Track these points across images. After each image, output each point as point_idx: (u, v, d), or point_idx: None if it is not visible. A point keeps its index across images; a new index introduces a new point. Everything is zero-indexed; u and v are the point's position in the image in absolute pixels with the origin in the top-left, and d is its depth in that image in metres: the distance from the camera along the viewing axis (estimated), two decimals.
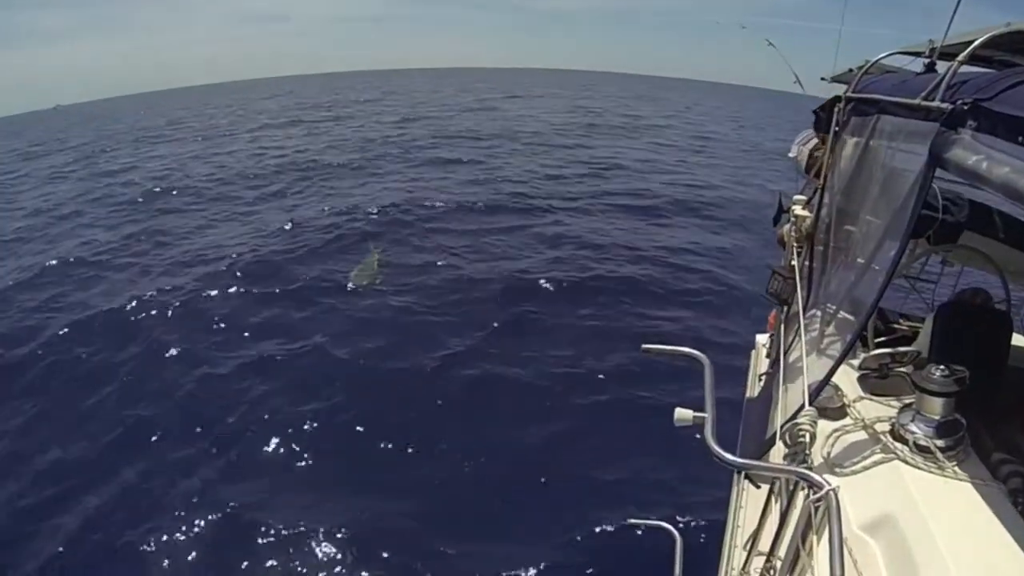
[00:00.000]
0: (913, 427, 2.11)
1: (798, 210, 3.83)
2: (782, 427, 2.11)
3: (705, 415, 2.19)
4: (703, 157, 26.09)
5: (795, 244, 3.72)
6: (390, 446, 6.68)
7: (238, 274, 11.81)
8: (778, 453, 2.30)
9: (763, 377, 3.95)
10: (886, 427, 2.26)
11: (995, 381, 2.49)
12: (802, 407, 2.15)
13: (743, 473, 2.91)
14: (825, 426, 2.39)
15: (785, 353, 3.29)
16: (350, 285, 10.97)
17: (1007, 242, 3.27)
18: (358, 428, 6.99)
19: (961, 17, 2.11)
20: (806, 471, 1.72)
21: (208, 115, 55.28)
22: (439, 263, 12.03)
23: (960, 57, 2.05)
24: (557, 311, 9.89)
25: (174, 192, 20.00)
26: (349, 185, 19.37)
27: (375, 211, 15.64)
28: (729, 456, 1.92)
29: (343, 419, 7.14)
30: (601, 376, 7.96)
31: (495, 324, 9.43)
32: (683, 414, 2.29)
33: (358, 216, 15.32)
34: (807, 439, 1.95)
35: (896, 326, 3.46)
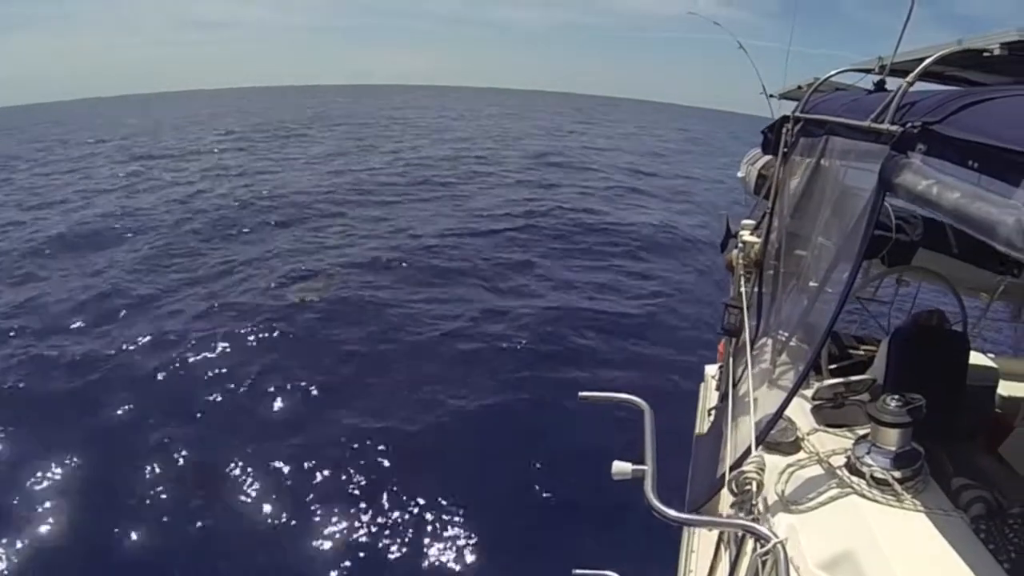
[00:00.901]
0: (869, 459, 2.13)
1: (746, 236, 3.92)
2: (728, 475, 2.11)
3: (645, 468, 2.18)
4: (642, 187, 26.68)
5: (743, 271, 3.80)
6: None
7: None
8: (729, 495, 2.30)
9: (712, 412, 3.98)
10: (842, 460, 2.28)
11: (953, 403, 2.56)
12: (749, 451, 2.14)
13: None
14: (779, 461, 2.39)
15: (735, 386, 3.33)
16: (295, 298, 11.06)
17: (961, 258, 3.41)
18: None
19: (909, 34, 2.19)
20: (752, 524, 1.72)
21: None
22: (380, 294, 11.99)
23: (910, 77, 2.11)
24: (494, 355, 9.84)
25: None
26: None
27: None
28: (672, 512, 1.92)
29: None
30: (542, 423, 7.90)
31: (439, 357, 9.48)
32: (621, 468, 2.27)
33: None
34: (754, 488, 1.96)
35: (852, 351, 3.54)
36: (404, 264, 13.74)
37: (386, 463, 7.09)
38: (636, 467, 2.22)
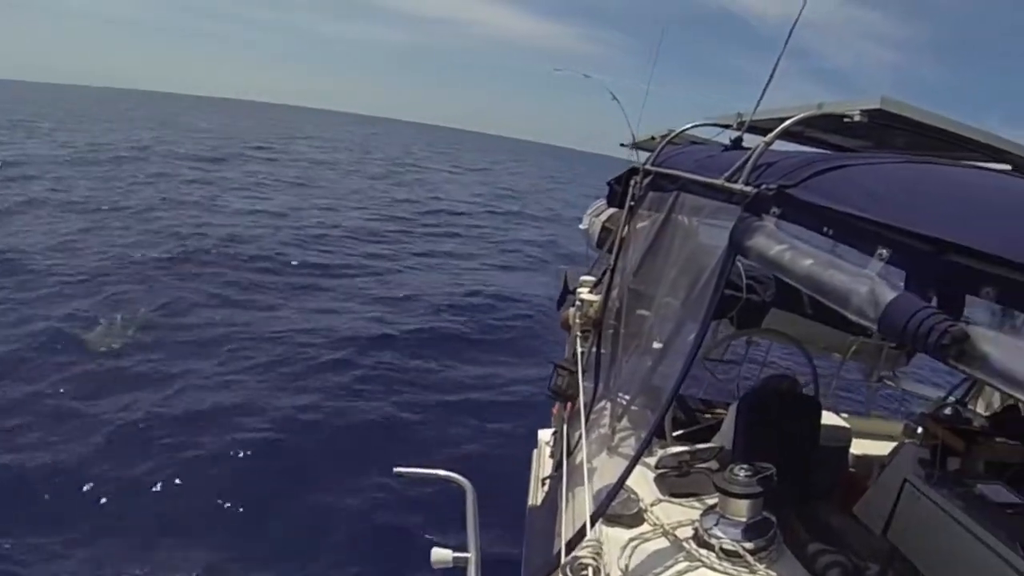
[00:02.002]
0: (718, 531, 2.19)
1: (585, 294, 3.99)
2: (564, 555, 2.10)
3: (468, 555, 2.11)
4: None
5: (580, 330, 3.85)
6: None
7: None
8: None
9: (547, 481, 3.96)
10: (689, 532, 2.32)
11: (806, 468, 2.70)
12: (583, 531, 2.13)
13: None
14: (620, 535, 2.40)
15: (570, 453, 3.32)
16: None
17: (814, 318, 3.66)
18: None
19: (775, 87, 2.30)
20: None
21: None
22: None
23: (768, 137, 2.23)
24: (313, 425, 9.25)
25: None
26: None
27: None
28: None
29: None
30: (347, 499, 7.39)
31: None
32: (442, 555, 2.20)
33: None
34: (590, 574, 1.96)
35: (699, 415, 3.66)
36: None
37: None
38: (458, 555, 2.14)
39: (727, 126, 2.84)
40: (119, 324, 11.11)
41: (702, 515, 2.32)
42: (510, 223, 29.45)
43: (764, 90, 2.31)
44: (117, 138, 43.64)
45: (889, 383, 4.66)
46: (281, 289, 14.30)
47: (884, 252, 1.46)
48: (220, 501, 6.94)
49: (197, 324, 11.50)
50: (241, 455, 7.83)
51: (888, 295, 1.36)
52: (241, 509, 6.92)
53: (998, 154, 2.52)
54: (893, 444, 3.53)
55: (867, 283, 1.43)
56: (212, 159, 37.64)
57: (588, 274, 4.26)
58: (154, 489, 6.97)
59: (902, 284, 1.38)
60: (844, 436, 3.31)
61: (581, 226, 4.34)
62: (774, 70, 2.22)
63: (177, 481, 7.16)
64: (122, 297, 12.48)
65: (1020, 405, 3.38)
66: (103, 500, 6.71)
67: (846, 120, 2.13)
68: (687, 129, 3.45)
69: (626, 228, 3.56)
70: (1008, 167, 2.55)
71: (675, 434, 3.40)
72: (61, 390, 8.81)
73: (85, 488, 6.84)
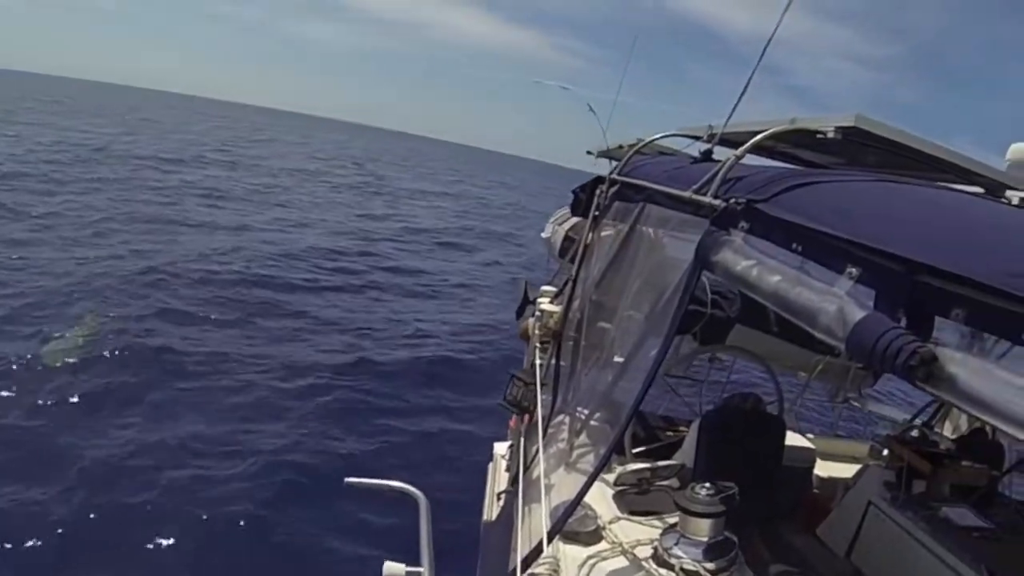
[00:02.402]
0: (679, 551, 2.19)
1: (546, 304, 4.00)
2: (520, 573, 2.09)
3: (421, 569, 2.09)
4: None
5: (539, 341, 3.85)
6: None
7: None
8: None
9: (502, 496, 3.95)
10: (648, 551, 2.33)
11: (768, 488, 2.73)
12: (540, 548, 2.12)
13: None
14: (577, 553, 2.39)
15: (527, 468, 3.32)
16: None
17: (780, 336, 3.69)
18: None
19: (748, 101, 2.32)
20: None
21: None
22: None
23: (739, 151, 2.25)
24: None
25: None
26: None
27: None
28: None
29: None
30: (294, 510, 7.34)
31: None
32: (394, 570, 2.17)
33: None
34: None
35: (659, 432, 3.67)
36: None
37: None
38: (411, 569, 2.12)
39: (697, 138, 2.85)
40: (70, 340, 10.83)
41: (662, 534, 2.33)
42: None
43: (736, 103, 2.31)
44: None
45: (855, 404, 4.72)
46: (240, 308, 14.02)
47: (854, 271, 1.48)
48: (163, 524, 6.82)
49: (155, 346, 11.19)
50: (188, 476, 7.70)
51: (857, 314, 1.37)
52: (186, 529, 6.80)
53: (970, 176, 2.57)
54: (858, 466, 3.58)
55: (836, 302, 1.44)
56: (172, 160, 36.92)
57: (549, 284, 4.27)
58: (92, 516, 6.79)
59: (871, 303, 1.40)
60: (808, 456, 3.36)
61: (543, 234, 4.34)
62: (747, 83, 2.23)
63: (128, 502, 7.02)
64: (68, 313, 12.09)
65: (987, 428, 3.44)
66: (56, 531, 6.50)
67: (819, 136, 2.15)
68: (656, 139, 3.46)
69: (590, 238, 3.58)
70: (980, 190, 2.61)
71: (635, 451, 3.40)
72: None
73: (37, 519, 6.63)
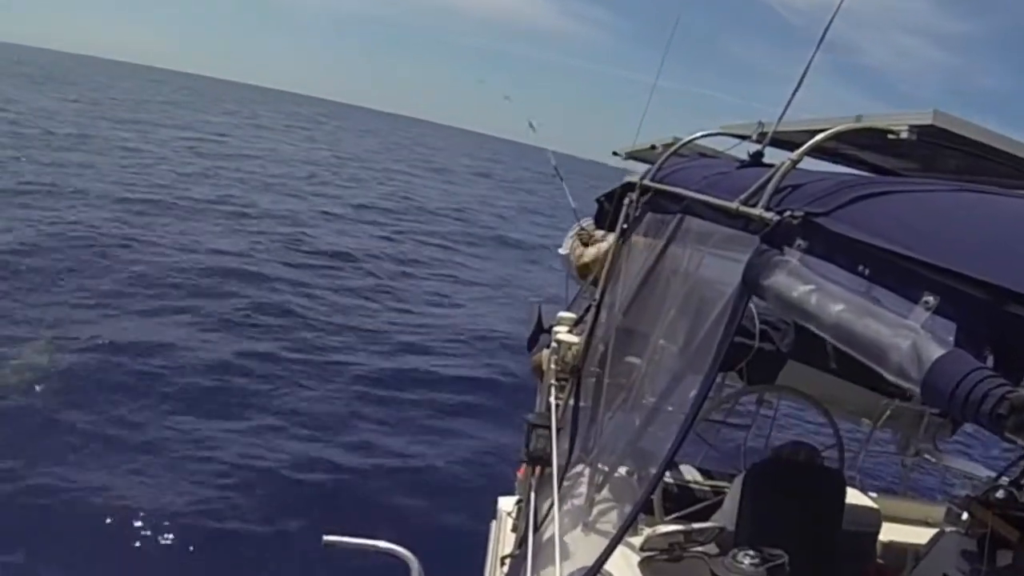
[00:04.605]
0: None
1: (563, 335, 3.97)
2: None
3: None
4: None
5: (556, 378, 3.83)
6: None
7: None
8: None
9: (507, 561, 3.92)
10: None
11: (825, 556, 2.69)
12: None
13: None
14: None
15: (537, 528, 3.29)
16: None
17: (841, 375, 3.65)
18: None
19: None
20: None
21: None
22: None
23: (795, 154, 2.18)
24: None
25: None
26: None
27: None
28: None
29: None
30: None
31: None
32: None
33: None
34: None
35: (696, 486, 3.64)
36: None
37: None
38: None
39: (745, 137, 2.78)
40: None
41: None
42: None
43: (792, 95, 2.26)
44: None
45: (929, 457, 4.64)
46: (212, 311, 14.19)
47: (931, 299, 1.45)
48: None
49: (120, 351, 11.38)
50: (155, 520, 7.74)
51: (935, 352, 1.34)
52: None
53: None
54: (931, 531, 3.54)
55: (910, 336, 1.42)
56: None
57: (567, 310, 4.24)
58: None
59: (952, 339, 1.37)
60: (873, 519, 3.32)
61: (561, 250, 4.31)
62: (805, 71, 2.21)
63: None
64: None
65: None
66: None
67: (891, 137, 2.12)
68: (696, 138, 3.42)
69: (616, 255, 3.56)
70: None
71: (667, 510, 3.38)
72: None
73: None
